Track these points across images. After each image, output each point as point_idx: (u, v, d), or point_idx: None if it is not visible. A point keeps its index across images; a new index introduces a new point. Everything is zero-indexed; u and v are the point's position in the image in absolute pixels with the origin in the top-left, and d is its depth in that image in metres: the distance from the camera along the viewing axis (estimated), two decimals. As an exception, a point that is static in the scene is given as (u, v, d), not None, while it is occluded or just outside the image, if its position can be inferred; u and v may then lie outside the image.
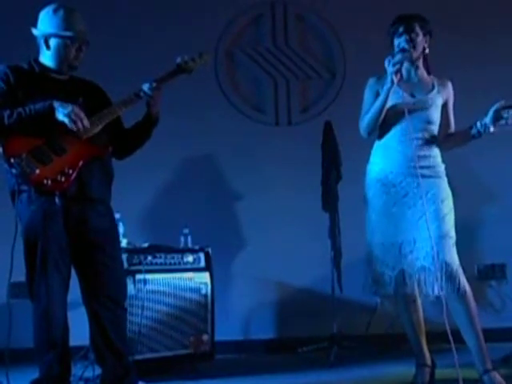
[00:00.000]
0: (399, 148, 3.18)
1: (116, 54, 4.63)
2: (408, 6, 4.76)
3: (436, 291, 3.05)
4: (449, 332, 2.83)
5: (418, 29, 3.18)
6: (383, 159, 3.24)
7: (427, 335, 3.32)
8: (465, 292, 3.07)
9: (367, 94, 3.28)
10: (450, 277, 3.05)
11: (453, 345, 2.80)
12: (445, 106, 3.29)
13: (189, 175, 4.83)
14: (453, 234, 3.14)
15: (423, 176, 3.12)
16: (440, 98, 3.26)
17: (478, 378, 3.08)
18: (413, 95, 3.22)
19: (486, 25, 4.92)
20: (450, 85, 3.32)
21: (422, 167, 3.12)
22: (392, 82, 3.08)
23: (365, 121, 3.21)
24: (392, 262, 3.17)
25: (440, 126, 3.28)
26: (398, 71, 3.07)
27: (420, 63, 3.26)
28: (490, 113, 3.10)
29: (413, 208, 3.14)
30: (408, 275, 3.14)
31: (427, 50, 3.23)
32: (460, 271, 3.09)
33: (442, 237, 3.10)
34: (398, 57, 3.10)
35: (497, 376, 3.04)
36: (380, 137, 3.29)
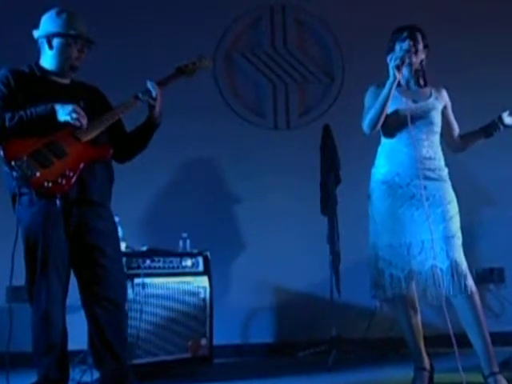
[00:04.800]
0: (406, 150, 3.22)
1: (115, 57, 4.63)
2: (408, 10, 4.82)
3: (445, 291, 3.05)
4: (452, 334, 2.85)
5: (419, 37, 3.27)
6: (389, 161, 3.27)
7: (426, 339, 3.31)
8: (472, 292, 3.08)
9: (368, 99, 3.32)
10: (460, 276, 3.07)
11: (455, 348, 2.82)
12: (445, 111, 3.36)
13: (187, 179, 4.83)
14: (460, 235, 3.18)
15: (429, 178, 3.19)
16: (439, 104, 3.33)
17: (483, 381, 3.07)
18: (415, 101, 3.27)
19: (486, 25, 4.94)
20: (445, 92, 3.40)
21: (427, 169, 3.20)
22: (394, 76, 3.13)
23: (368, 116, 3.24)
24: (401, 262, 3.19)
25: (446, 131, 3.37)
26: (400, 67, 3.13)
27: (418, 75, 3.32)
28: (501, 115, 3.29)
29: (420, 209, 3.17)
30: (417, 276, 3.16)
31: (424, 62, 3.32)
32: (468, 271, 3.11)
33: (450, 237, 3.13)
34: (401, 53, 3.17)
35: (502, 380, 3.04)
36: (385, 141, 3.33)
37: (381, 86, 3.23)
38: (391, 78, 3.15)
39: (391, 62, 3.15)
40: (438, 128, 3.31)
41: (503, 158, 4.81)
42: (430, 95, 3.32)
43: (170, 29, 4.86)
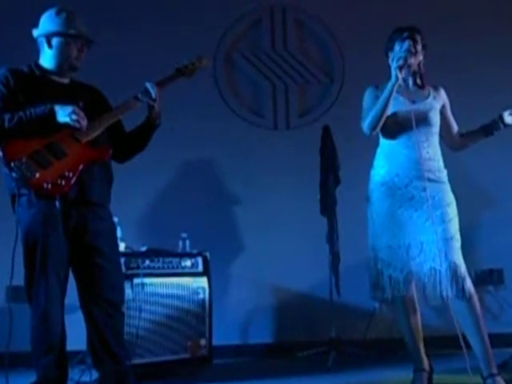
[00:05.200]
0: (405, 152, 3.22)
1: (115, 57, 4.63)
2: (408, 10, 4.82)
3: (444, 293, 3.06)
4: (460, 336, 2.88)
5: (419, 38, 3.25)
6: (389, 162, 3.27)
7: (425, 340, 3.31)
8: (471, 294, 3.09)
9: (367, 100, 3.30)
10: (458, 278, 3.07)
11: (464, 349, 2.84)
12: (443, 110, 3.36)
13: (187, 179, 4.83)
14: (458, 237, 3.18)
15: (429, 180, 3.17)
16: (437, 104, 3.33)
17: (482, 382, 3.07)
18: (414, 101, 3.25)
19: (486, 25, 4.94)
20: (443, 91, 3.39)
21: (427, 170, 3.18)
22: (396, 77, 3.12)
23: (369, 117, 3.22)
24: (400, 264, 3.18)
25: (446, 130, 3.37)
26: (402, 68, 3.12)
27: (416, 76, 3.32)
28: (502, 114, 3.28)
29: (419, 211, 3.17)
30: (415, 277, 3.16)
31: (422, 63, 3.30)
32: (467, 273, 3.11)
33: (449, 239, 3.13)
34: (403, 53, 3.15)
35: (501, 381, 3.04)
36: (384, 142, 3.32)
37: (380, 87, 3.23)
38: (393, 79, 3.13)
39: (393, 62, 3.14)
40: (436, 128, 3.30)
41: (503, 157, 4.81)
42: (429, 95, 3.32)
43: (170, 29, 4.86)
